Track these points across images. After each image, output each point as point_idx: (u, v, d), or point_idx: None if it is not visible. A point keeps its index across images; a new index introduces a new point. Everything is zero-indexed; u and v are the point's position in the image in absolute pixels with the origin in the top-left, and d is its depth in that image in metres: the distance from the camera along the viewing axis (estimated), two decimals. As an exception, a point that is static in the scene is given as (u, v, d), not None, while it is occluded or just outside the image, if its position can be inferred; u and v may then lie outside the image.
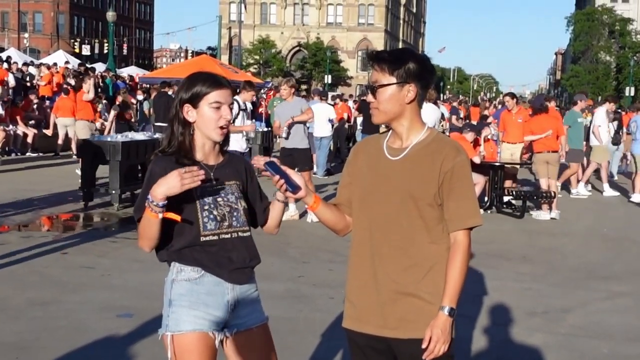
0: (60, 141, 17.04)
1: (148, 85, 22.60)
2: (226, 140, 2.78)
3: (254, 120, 12.89)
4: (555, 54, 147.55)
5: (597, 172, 14.74)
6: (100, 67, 31.17)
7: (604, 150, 14.40)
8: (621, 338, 5.54)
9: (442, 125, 18.19)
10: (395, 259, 2.54)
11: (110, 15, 36.48)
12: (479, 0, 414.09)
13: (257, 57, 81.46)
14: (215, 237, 2.67)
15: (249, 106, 10.33)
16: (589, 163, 14.44)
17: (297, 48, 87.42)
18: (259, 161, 2.61)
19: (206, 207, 2.66)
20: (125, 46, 72.64)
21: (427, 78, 2.57)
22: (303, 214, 9.78)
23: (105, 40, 61.46)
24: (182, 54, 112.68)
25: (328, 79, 71.58)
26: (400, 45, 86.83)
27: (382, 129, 2.79)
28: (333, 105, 18.26)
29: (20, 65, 24.13)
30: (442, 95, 56.78)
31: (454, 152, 2.53)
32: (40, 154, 17.25)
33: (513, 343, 5.30)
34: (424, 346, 2.47)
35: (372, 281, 2.57)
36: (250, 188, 2.86)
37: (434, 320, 2.48)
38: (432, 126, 2.66)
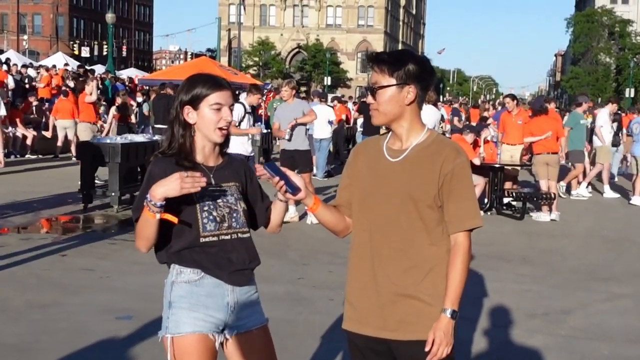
0: (59, 143, 17.07)
1: (147, 87, 22.59)
2: (226, 141, 2.78)
3: (259, 123, 12.86)
4: (555, 55, 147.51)
5: (598, 173, 14.73)
6: (99, 69, 31.20)
7: (607, 150, 14.40)
8: (621, 339, 5.53)
9: (442, 127, 18.19)
10: (395, 261, 2.53)
11: (110, 17, 36.44)
12: (478, 2, 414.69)
13: (256, 58, 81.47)
14: (215, 238, 2.66)
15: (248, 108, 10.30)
16: (592, 165, 14.43)
17: (296, 50, 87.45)
18: (261, 171, 2.61)
19: (206, 208, 2.65)
20: (124, 48, 72.73)
21: (426, 79, 2.57)
22: (303, 216, 9.78)
23: (104, 42, 61.51)
24: (182, 56, 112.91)
25: (327, 80, 71.61)
26: (400, 47, 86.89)
27: (383, 130, 2.79)
28: (332, 107, 18.23)
29: (19, 67, 24.14)
30: (441, 97, 56.76)
31: (454, 153, 2.53)
32: (40, 156, 17.26)
33: (513, 345, 5.29)
34: (427, 349, 2.46)
35: (372, 283, 2.56)
36: (250, 189, 2.85)
37: (436, 322, 2.48)
38: (432, 128, 2.66)
